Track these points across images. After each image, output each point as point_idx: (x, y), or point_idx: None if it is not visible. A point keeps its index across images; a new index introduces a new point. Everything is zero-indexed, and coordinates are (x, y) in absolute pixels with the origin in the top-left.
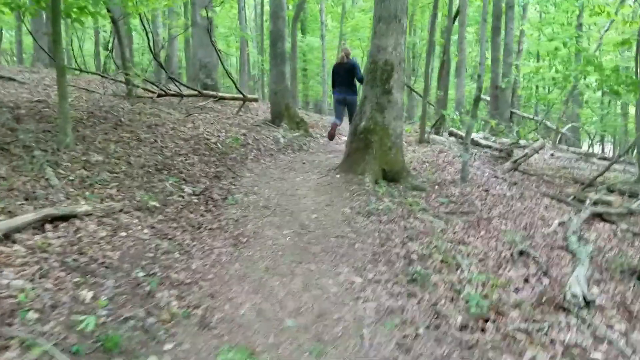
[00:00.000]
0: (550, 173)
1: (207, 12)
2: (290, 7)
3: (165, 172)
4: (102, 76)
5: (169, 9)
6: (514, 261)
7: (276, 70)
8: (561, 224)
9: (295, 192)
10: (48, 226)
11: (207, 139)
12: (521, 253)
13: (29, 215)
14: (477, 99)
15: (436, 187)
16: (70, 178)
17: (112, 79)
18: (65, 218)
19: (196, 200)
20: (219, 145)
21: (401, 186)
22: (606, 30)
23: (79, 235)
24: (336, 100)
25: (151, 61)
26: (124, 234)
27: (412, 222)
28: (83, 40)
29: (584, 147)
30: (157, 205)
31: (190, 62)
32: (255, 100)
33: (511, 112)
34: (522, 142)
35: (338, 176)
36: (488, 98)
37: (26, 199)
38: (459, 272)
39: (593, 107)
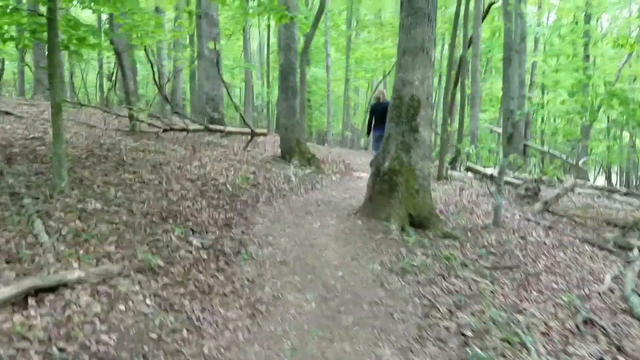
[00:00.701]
0: (579, 213)
1: (215, 45)
2: (300, 38)
3: (171, 221)
4: (104, 111)
5: (174, 41)
6: (580, 333)
7: (287, 104)
8: (614, 278)
9: (314, 241)
10: (31, 301)
11: (215, 179)
12: (585, 322)
13: (8, 290)
14: (511, 136)
15: (468, 233)
16: (63, 232)
17: (115, 114)
18: (52, 289)
19: (205, 256)
20: (228, 187)
21: (431, 233)
22: (625, 62)
23: (67, 312)
24: (378, 136)
25: (156, 94)
26: (122, 307)
27: (455, 282)
28: (87, 71)
29: (591, 179)
30: (162, 264)
31: (196, 94)
32: (264, 134)
33: (525, 145)
34: (542, 176)
35: (360, 222)
36: (499, 130)
37: (8, 262)
38: (524, 353)
39: (598, 137)
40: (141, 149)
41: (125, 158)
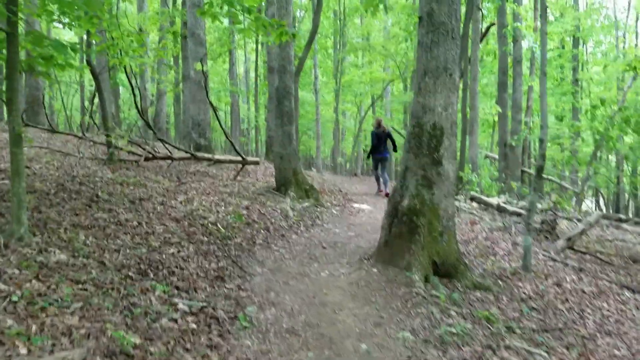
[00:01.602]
0: (601, 249)
1: (202, 66)
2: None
3: (152, 275)
4: (78, 137)
5: (158, 62)
6: None
7: (282, 131)
8: None
9: (326, 298)
10: None
11: (204, 218)
12: None
13: None
14: (540, 169)
15: (500, 282)
16: (14, 298)
17: (91, 141)
18: None
19: (194, 325)
20: (219, 227)
21: (459, 284)
22: (629, 87)
23: None
24: (380, 159)
25: (137, 119)
26: None
27: (507, 357)
28: (68, 93)
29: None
30: (138, 342)
31: (181, 119)
32: (256, 163)
33: (522, 171)
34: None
35: (375, 270)
36: (496, 156)
37: None
38: None
39: (583, 161)
40: (119, 181)
41: (99, 193)
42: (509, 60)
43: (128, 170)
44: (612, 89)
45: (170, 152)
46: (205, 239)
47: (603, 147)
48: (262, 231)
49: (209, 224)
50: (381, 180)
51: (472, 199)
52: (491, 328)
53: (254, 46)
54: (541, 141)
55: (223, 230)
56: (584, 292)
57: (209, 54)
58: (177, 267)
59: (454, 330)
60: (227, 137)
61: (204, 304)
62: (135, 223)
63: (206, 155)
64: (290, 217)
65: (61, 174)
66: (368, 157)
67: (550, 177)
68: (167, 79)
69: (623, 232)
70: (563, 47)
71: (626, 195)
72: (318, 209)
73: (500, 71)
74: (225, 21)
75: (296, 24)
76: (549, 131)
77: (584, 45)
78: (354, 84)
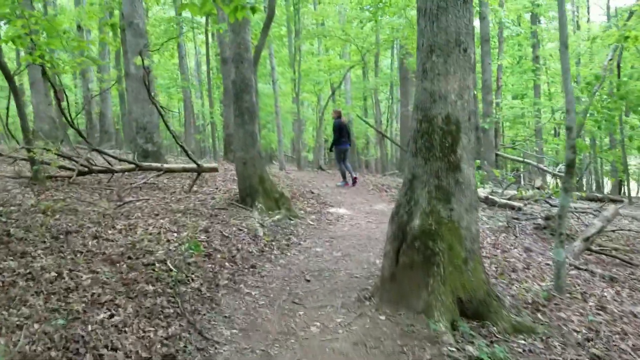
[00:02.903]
0: (614, 245)
1: (142, 60)
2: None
3: None
4: None
5: (101, 56)
6: None
7: (244, 130)
8: None
9: None
10: None
11: (150, 253)
12: None
13: None
14: (572, 164)
15: (538, 314)
16: None
17: (11, 157)
18: None
19: None
20: (170, 266)
21: (495, 327)
22: (610, 59)
23: None
24: (344, 150)
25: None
26: None
27: None
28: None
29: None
30: None
31: (127, 121)
32: (214, 170)
33: (496, 155)
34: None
35: (383, 317)
36: None
37: None
38: None
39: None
40: (42, 208)
41: (12, 229)
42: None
43: (58, 191)
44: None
45: (109, 163)
46: (151, 287)
47: (603, 127)
48: (226, 264)
49: (156, 263)
50: (346, 172)
51: None
52: None
53: (204, 38)
54: (569, 130)
55: (175, 271)
56: (635, 316)
57: (154, 48)
58: (107, 345)
59: None
60: (177, 142)
61: None
62: (53, 274)
63: (153, 164)
64: (260, 237)
65: None
66: (331, 149)
67: (527, 160)
68: (110, 76)
69: (621, 218)
70: (519, 25)
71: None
72: (292, 222)
73: None
74: (172, 12)
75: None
76: (513, 110)
77: (538, 22)
78: (312, 72)
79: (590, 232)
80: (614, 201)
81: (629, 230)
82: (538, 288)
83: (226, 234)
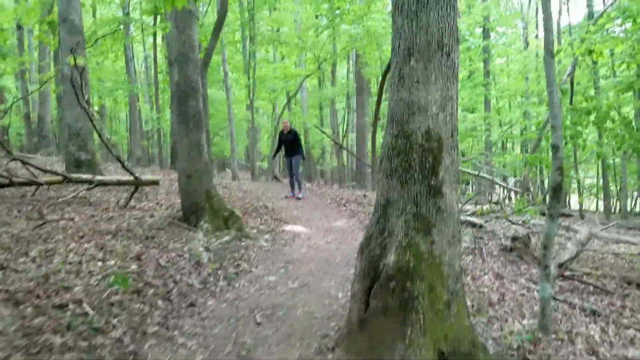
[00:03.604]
0: (585, 270)
1: (74, 60)
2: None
3: None
4: None
5: (41, 56)
6: None
7: (188, 140)
8: None
9: None
10: None
11: (65, 289)
12: None
13: None
14: (558, 188)
15: None
16: None
17: None
18: None
19: None
20: (86, 308)
21: None
22: (570, 74)
23: None
24: (288, 161)
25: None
26: None
27: None
28: None
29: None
30: None
31: (63, 126)
32: (155, 183)
33: None
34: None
35: None
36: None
37: None
38: None
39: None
40: None
41: None
42: None
43: None
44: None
45: (34, 174)
46: (59, 340)
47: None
48: (159, 302)
49: (70, 304)
50: (295, 183)
51: None
52: None
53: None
54: (555, 148)
55: (91, 313)
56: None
57: (90, 45)
58: None
59: None
60: (110, 151)
61: None
62: None
63: (84, 176)
64: (204, 264)
65: None
66: (273, 156)
67: (482, 174)
68: (49, 77)
69: (595, 239)
70: (468, 39)
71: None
72: (243, 243)
73: None
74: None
75: (199, 17)
76: (465, 124)
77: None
78: (267, 80)
79: (565, 257)
80: (565, 215)
81: (594, 250)
82: (520, 327)
83: (163, 262)
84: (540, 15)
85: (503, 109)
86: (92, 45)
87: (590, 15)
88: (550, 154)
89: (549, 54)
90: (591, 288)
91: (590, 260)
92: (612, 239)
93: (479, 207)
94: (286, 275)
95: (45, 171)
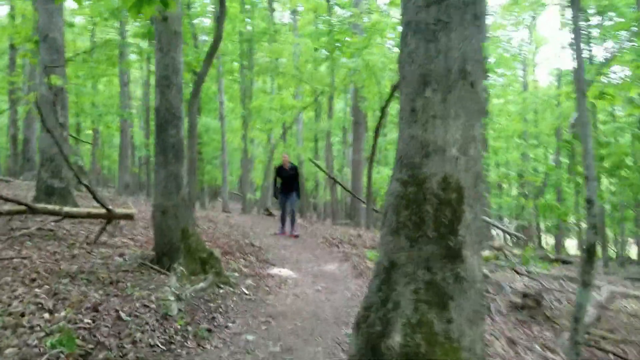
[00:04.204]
0: (602, 333)
1: (51, 80)
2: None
3: None
4: None
5: (32, 76)
6: None
7: (166, 172)
8: None
9: None
10: None
11: None
12: None
13: None
14: (593, 248)
15: None
16: None
17: None
18: None
19: None
20: None
21: None
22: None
23: None
24: (285, 197)
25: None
26: None
27: None
28: None
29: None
30: None
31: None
32: (129, 217)
33: None
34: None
35: None
36: None
37: None
38: None
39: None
40: None
41: None
42: None
43: None
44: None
45: None
46: None
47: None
48: None
49: None
50: (288, 219)
51: None
52: None
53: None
54: (590, 203)
55: None
56: None
57: (91, 72)
58: None
59: None
60: (79, 180)
61: None
62: None
63: (50, 207)
64: (172, 317)
65: None
66: (275, 195)
67: (485, 218)
68: (26, 97)
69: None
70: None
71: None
72: (221, 291)
73: None
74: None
75: (199, 45)
76: None
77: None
78: (263, 110)
79: (587, 321)
80: (564, 262)
81: (602, 306)
82: None
83: (124, 315)
84: (539, 57)
85: (500, 149)
86: (96, 81)
87: (589, 60)
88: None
89: (582, 93)
90: (611, 357)
91: (604, 320)
92: (619, 292)
93: (485, 255)
94: (267, 334)
95: (6, 200)
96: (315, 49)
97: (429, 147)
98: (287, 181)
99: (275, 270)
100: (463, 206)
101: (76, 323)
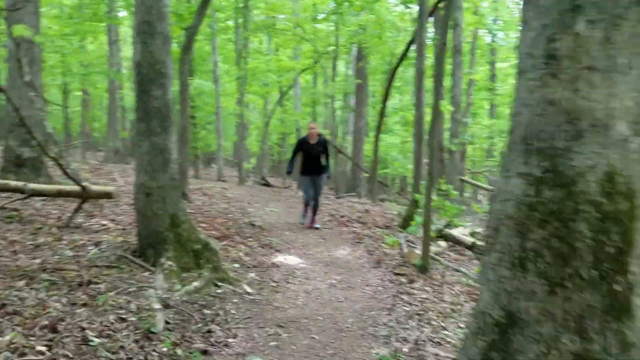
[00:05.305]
0: None
1: (22, 29)
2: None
3: None
4: None
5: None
6: None
7: (149, 143)
8: None
9: None
10: None
11: None
12: None
13: None
14: None
15: None
16: None
17: None
18: None
19: None
20: None
21: None
22: None
23: None
24: (310, 180)
25: None
26: None
27: None
28: None
29: None
30: None
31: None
32: (109, 196)
33: (462, 180)
34: None
35: None
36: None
37: None
38: None
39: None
40: None
41: None
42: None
43: None
44: None
45: None
46: None
47: None
48: None
49: None
50: (310, 206)
51: (443, 236)
52: None
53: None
54: None
55: None
56: None
57: (76, 29)
58: None
59: None
60: (44, 152)
61: None
62: None
63: (12, 183)
64: (157, 336)
65: None
66: (289, 171)
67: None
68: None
69: None
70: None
71: None
72: (219, 291)
73: (436, 60)
74: None
75: None
76: (482, 131)
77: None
78: (260, 72)
79: None
80: None
81: None
82: None
83: (92, 335)
84: None
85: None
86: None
87: None
88: None
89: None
90: None
91: None
92: None
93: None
94: (278, 355)
95: None
96: (314, 4)
97: (581, 120)
98: (313, 159)
99: (280, 258)
100: (636, 223)
101: (22, 355)
